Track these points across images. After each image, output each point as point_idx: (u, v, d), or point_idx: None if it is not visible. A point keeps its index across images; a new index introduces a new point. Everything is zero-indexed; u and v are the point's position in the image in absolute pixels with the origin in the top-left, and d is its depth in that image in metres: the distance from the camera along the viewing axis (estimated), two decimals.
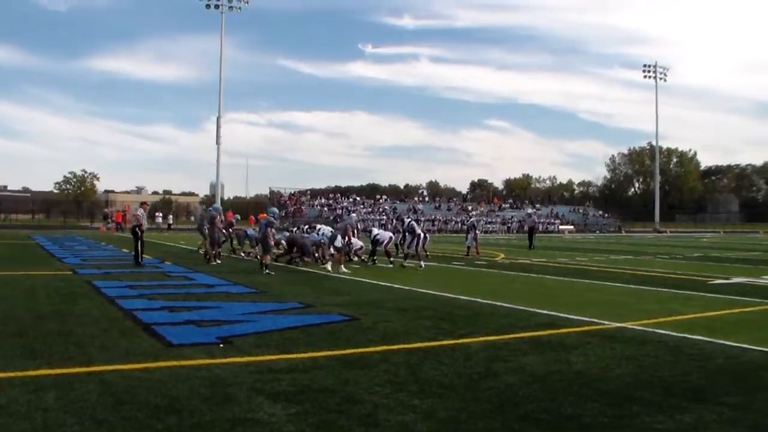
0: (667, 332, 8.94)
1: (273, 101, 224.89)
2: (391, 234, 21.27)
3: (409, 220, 21.22)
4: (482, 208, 78.87)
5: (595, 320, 9.82)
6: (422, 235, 20.57)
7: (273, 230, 18.21)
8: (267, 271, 16.95)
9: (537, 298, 12.30)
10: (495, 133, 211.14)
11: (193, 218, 23.94)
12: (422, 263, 19.15)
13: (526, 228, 40.59)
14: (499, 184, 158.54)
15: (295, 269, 18.08)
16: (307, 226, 24.54)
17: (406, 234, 20.41)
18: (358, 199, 79.21)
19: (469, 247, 25.97)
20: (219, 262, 20.13)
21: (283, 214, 64.51)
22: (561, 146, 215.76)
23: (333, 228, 20.88)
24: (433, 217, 69.87)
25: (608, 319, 9.86)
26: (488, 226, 68.26)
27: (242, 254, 22.55)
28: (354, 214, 24.27)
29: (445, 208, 76.79)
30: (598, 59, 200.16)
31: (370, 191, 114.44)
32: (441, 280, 15.50)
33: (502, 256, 25.65)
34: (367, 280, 15.02)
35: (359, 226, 22.68)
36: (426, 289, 13.31)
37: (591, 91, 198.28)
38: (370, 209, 71.27)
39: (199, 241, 25.48)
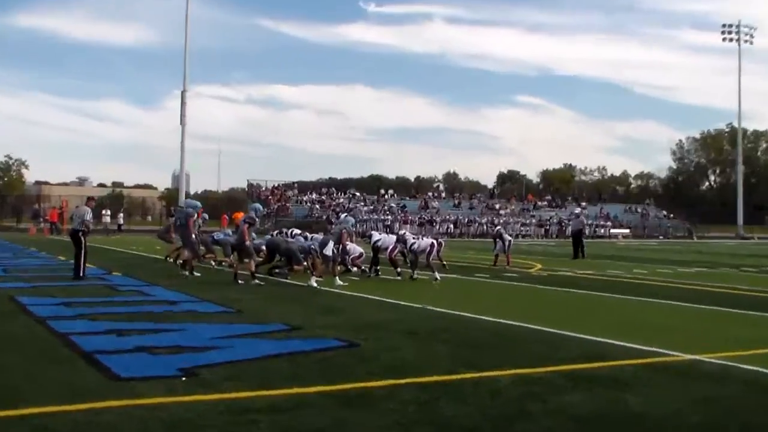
0: (756, 368, 8.82)
1: (252, 72, 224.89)
2: (411, 236, 21.14)
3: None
4: (513, 207, 78.50)
5: (659, 350, 9.74)
6: (437, 241, 21.00)
7: (252, 233, 18.25)
8: (255, 281, 17.50)
9: (582, 320, 12.28)
10: (526, 111, 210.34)
11: (173, 219, 23.60)
12: (437, 275, 19.23)
13: (570, 232, 40.44)
14: (533, 176, 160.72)
15: (279, 282, 18.24)
16: (291, 230, 24.21)
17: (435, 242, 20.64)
18: (357, 194, 78.28)
19: (497, 256, 26.11)
20: (197, 274, 19.85)
21: (264, 213, 63.84)
22: (610, 129, 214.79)
23: (328, 232, 21.06)
24: (452, 217, 69.67)
25: (677, 349, 9.77)
26: (521, 228, 68.27)
27: (212, 263, 22.63)
28: (349, 216, 24.47)
29: (467, 206, 76.58)
30: (662, 18, 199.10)
31: (373, 185, 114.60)
32: (461, 297, 15.72)
33: (539, 266, 25.76)
34: (369, 296, 15.04)
35: (357, 229, 23.99)
36: (442, 308, 13.31)
37: (650, 59, 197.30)
38: (371, 207, 71.36)
39: (160, 247, 25.73)
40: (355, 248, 21.08)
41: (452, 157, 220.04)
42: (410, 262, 20.46)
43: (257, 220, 18.55)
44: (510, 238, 26.95)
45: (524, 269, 24.25)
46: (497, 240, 26.75)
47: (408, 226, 58.78)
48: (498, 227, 25.46)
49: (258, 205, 19.66)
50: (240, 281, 17.49)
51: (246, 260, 18.22)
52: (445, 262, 21.85)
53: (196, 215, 20.95)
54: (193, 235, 20.47)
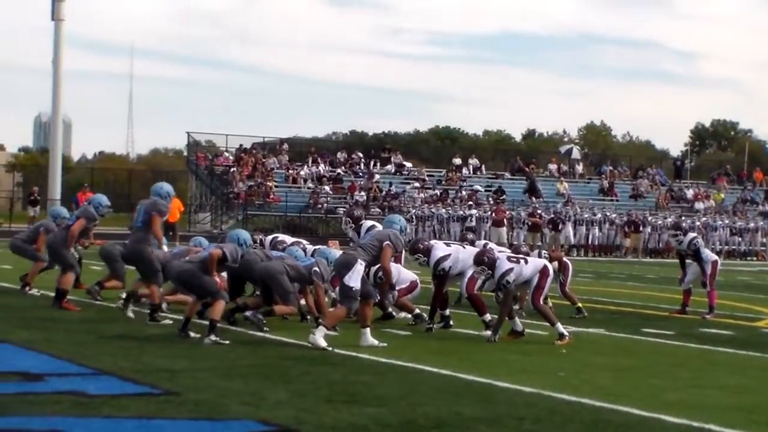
0: None
1: None
2: (505, 253, 12.41)
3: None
4: (722, 194, 48.97)
5: None
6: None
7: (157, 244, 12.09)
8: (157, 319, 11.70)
9: None
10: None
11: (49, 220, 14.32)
12: (561, 329, 11.40)
13: None
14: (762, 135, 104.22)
15: (249, 336, 11.21)
16: (273, 237, 14.79)
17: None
18: (407, 164, 47.05)
19: (688, 292, 15.81)
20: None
21: (213, 200, 42.53)
22: None
23: (354, 246, 11.79)
24: (597, 214, 39.84)
25: None
26: (737, 239, 41.69)
27: (121, 303, 12.91)
28: (396, 215, 13.38)
29: (627, 189, 47.97)
30: None
31: (441, 151, 65.61)
32: (621, 374, 9.60)
33: None
34: (428, 368, 9.28)
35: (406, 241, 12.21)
36: (585, 397, 7.97)
37: None
38: (436, 192, 41.82)
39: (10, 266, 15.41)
40: (404, 275, 12.87)
41: (598, 95, 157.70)
42: (499, 303, 11.98)
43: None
44: (715, 257, 16.02)
45: (743, 321, 15.30)
46: (689, 261, 15.73)
47: (503, 230, 36.29)
48: (693, 237, 15.74)
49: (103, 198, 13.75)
50: (191, 333, 10.74)
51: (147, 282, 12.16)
52: (579, 304, 14.52)
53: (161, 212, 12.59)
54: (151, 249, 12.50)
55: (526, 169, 48.38)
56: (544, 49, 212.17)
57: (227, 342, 10.46)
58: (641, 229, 39.80)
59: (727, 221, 42.35)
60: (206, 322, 10.71)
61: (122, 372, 8.50)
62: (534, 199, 43.00)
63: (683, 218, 38.75)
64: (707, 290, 15.26)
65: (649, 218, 40.93)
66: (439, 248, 12.30)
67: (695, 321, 14.79)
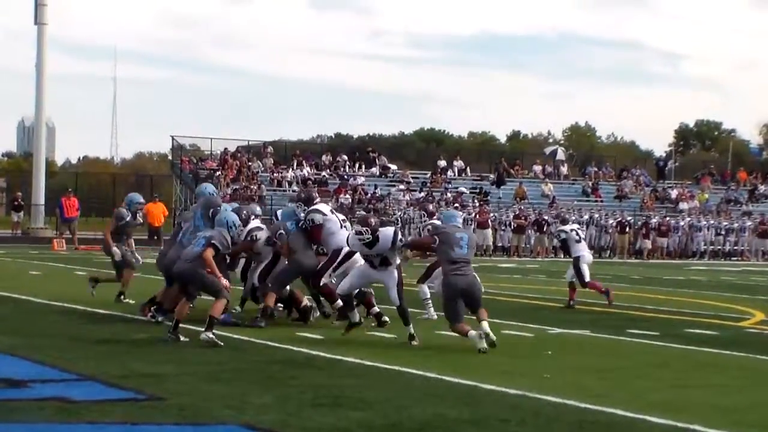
0: None
1: None
2: None
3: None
4: (705, 194, 48.81)
5: None
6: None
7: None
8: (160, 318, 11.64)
9: None
10: None
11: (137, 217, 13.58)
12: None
13: None
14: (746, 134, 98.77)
15: (234, 339, 10.93)
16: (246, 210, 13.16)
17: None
18: (392, 167, 46.74)
19: (572, 285, 16.14)
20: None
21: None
22: None
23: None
24: (584, 215, 39.41)
25: None
26: (724, 239, 41.49)
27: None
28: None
29: (611, 190, 47.97)
30: None
31: (426, 153, 67.04)
32: (599, 376, 9.48)
33: (762, 316, 15.95)
34: (414, 371, 9.13)
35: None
36: (563, 397, 7.90)
37: None
38: (421, 194, 41.19)
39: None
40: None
41: (572, 97, 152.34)
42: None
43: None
44: (583, 253, 16.15)
45: (727, 321, 15.00)
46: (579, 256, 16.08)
47: (489, 231, 36.86)
48: (560, 230, 16.93)
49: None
50: (181, 337, 10.65)
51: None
52: (573, 302, 15.89)
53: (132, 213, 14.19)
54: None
55: (511, 171, 48.35)
56: (526, 50, 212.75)
57: (222, 344, 10.35)
58: (627, 230, 39.84)
59: (711, 221, 42.43)
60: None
61: (106, 377, 8.42)
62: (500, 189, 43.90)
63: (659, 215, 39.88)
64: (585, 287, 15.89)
65: (629, 218, 41.03)
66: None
67: (680, 321, 14.83)
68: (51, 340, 10.78)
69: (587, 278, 15.82)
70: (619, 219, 40.10)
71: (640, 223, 40.93)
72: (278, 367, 9.32)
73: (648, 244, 39.90)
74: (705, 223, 42.07)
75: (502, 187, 45.48)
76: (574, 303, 15.91)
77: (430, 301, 13.24)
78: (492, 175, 47.25)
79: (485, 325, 10.73)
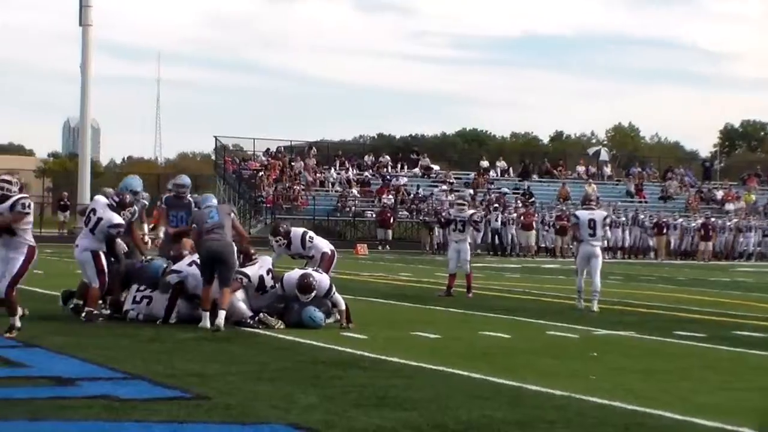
0: None
1: None
2: None
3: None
4: (752, 195, 47.44)
5: None
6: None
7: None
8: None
9: None
10: None
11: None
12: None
13: None
14: None
15: (280, 339, 11.16)
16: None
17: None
18: (434, 167, 46.80)
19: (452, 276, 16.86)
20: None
21: (242, 204, 40.52)
22: None
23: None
24: (621, 216, 38.73)
25: None
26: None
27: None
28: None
29: (656, 190, 47.65)
30: None
31: (468, 154, 68.57)
32: (645, 378, 9.28)
33: None
34: (459, 372, 9.13)
35: None
36: (609, 399, 7.81)
37: None
38: (465, 194, 35.33)
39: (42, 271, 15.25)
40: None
41: (615, 97, 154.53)
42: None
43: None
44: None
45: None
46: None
47: (532, 233, 36.78)
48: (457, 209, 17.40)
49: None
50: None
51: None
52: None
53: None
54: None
55: (554, 171, 48.30)
56: (569, 50, 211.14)
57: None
58: (665, 231, 39.39)
59: (760, 222, 41.87)
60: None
61: (153, 376, 8.48)
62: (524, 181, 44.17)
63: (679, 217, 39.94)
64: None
65: (679, 220, 40.52)
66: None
67: (728, 323, 14.60)
68: (98, 340, 10.82)
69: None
70: (656, 220, 39.57)
71: (692, 225, 40.30)
72: (323, 367, 9.31)
73: (702, 246, 39.35)
74: (754, 224, 41.46)
75: (541, 186, 45.36)
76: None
77: None
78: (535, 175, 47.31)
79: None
